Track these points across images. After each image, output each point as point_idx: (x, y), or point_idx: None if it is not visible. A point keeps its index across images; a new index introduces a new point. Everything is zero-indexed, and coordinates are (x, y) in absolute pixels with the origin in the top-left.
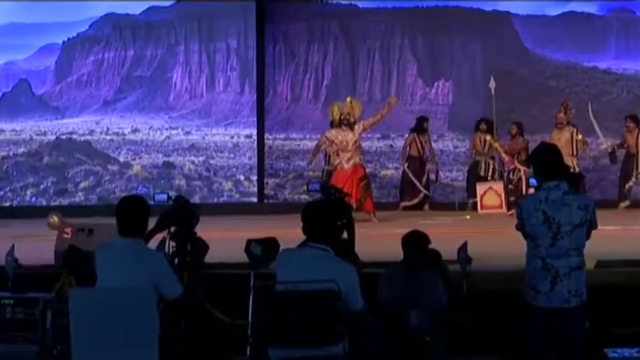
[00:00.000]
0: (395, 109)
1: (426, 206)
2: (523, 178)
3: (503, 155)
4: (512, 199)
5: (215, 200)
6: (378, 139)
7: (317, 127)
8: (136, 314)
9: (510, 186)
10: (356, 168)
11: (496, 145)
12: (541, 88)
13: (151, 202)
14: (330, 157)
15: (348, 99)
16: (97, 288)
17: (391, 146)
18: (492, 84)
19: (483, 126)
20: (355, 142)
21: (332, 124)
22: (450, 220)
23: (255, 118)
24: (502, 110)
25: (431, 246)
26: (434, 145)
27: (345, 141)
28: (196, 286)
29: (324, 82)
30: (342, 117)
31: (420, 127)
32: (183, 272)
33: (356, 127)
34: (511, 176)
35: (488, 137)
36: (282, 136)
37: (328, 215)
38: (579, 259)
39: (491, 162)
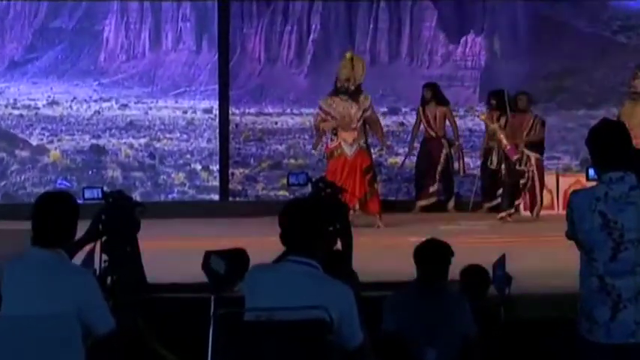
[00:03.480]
0: (407, 74)
1: (451, 205)
2: (535, 171)
3: (504, 142)
4: (517, 201)
5: (162, 198)
6: (385, 114)
7: (300, 99)
8: (55, 351)
9: (522, 181)
10: (361, 154)
11: (494, 126)
12: (606, 44)
13: (79, 201)
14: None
15: (348, 54)
16: (1, 315)
17: (402, 124)
18: (497, 44)
19: (494, 100)
20: (360, 117)
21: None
22: (482, 225)
23: (216, 86)
24: (552, 75)
25: (457, 261)
26: (459, 122)
27: (347, 115)
28: (136, 313)
29: (311, 38)
30: (339, 83)
31: (422, 97)
32: (118, 295)
33: (362, 97)
34: (518, 167)
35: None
36: (253, 110)
37: (316, 218)
38: None
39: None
